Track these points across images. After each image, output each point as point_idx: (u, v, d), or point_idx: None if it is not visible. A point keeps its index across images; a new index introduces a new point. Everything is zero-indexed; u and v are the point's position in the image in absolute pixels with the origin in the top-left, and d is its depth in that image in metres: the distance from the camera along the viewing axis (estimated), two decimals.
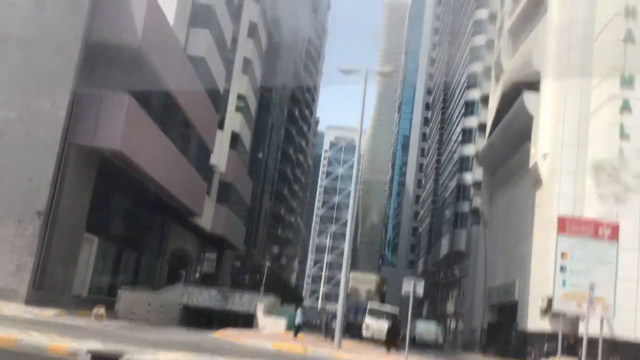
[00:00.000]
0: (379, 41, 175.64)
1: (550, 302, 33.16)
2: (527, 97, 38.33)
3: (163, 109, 28.78)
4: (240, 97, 44.25)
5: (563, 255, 14.20)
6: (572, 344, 24.51)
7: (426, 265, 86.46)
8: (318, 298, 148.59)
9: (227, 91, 41.82)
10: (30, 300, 20.60)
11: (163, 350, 11.16)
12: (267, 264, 54.91)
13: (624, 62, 31.72)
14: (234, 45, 42.51)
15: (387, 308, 36.58)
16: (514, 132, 41.94)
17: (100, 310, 20.59)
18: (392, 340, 24.68)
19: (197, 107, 33.26)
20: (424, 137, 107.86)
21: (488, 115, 54.52)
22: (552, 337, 34.73)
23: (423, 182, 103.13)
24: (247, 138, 48.28)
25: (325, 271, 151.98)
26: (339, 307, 21.94)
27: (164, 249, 35.99)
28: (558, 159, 35.63)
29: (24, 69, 21.80)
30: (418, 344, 39.85)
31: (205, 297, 32.11)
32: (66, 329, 14.59)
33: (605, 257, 14.17)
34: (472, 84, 65.53)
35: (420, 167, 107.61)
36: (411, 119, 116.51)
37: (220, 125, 40.29)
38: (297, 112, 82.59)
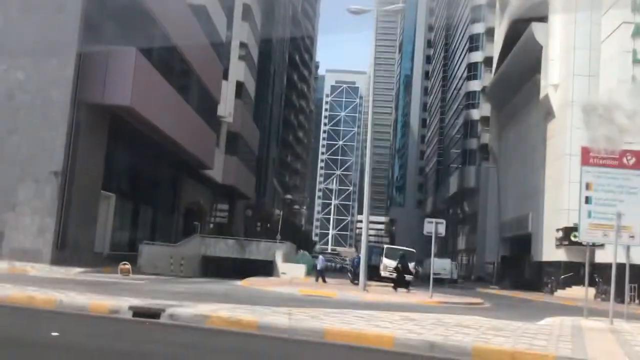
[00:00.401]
0: None
1: (567, 232, 33.51)
2: (536, 27, 37.63)
3: (168, 62, 28.36)
4: (242, 45, 43.56)
5: (588, 186, 14.03)
6: (589, 272, 24.80)
7: (435, 204, 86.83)
8: (328, 242, 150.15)
9: (229, 40, 41.12)
10: (55, 260, 20.81)
11: (202, 303, 11.28)
12: (279, 211, 55.23)
13: None
14: None
15: (403, 248, 36.90)
16: (522, 64, 41.37)
17: (126, 265, 20.85)
18: (401, 279, 25.00)
19: (202, 58, 32.79)
20: (426, 75, 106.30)
21: (494, 48, 53.67)
22: (567, 266, 35.18)
23: (428, 121, 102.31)
24: (251, 87, 47.78)
25: (333, 215, 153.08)
26: (362, 252, 22.13)
27: (178, 203, 36.17)
28: (569, 90, 35.24)
29: (28, 30, 21.36)
30: (434, 281, 40.48)
31: (222, 247, 32.46)
32: (97, 286, 14.76)
33: (630, 186, 14.02)
34: (476, 17, 64.23)
35: (424, 107, 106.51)
36: (413, 58, 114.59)
37: (225, 75, 39.81)
38: (297, 57, 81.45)
